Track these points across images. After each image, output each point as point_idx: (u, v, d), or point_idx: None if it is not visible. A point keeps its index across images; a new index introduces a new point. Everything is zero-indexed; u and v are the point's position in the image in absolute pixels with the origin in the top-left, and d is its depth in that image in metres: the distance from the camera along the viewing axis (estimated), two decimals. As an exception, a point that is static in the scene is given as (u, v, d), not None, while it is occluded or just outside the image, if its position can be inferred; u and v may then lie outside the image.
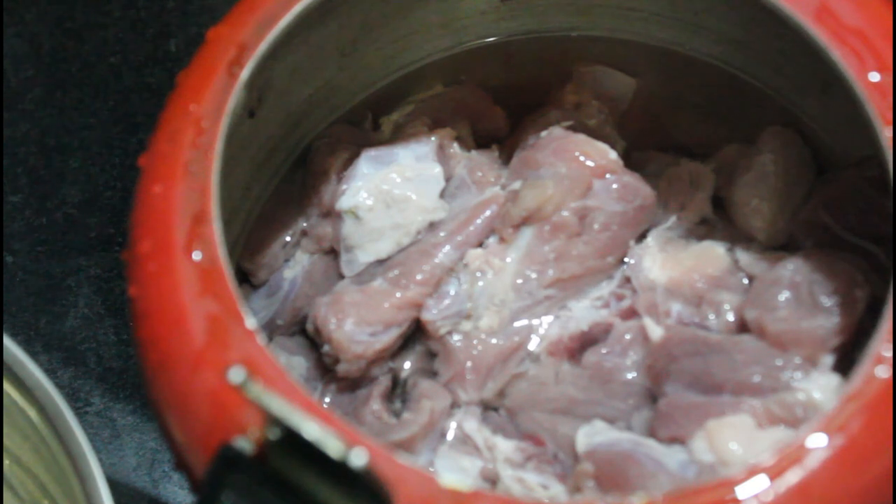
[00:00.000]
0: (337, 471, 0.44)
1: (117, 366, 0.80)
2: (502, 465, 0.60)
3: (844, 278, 0.59)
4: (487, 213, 0.65)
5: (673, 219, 0.66)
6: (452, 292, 0.63)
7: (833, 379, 0.57)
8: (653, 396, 0.61)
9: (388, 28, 0.67)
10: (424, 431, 0.61)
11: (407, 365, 0.65)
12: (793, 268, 0.60)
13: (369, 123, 0.70)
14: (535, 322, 0.64)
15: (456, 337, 0.63)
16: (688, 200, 0.66)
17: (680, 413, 0.58)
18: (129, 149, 0.87)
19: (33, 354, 0.64)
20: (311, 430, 0.44)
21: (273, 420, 0.45)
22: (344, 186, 0.65)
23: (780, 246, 0.64)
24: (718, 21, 0.65)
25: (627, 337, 0.63)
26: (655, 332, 0.62)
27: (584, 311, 0.64)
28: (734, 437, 0.55)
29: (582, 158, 0.64)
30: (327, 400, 0.64)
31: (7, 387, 0.61)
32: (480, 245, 0.65)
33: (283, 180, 0.68)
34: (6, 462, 0.64)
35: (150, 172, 0.56)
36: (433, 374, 0.64)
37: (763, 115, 0.66)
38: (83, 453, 0.58)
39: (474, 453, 0.61)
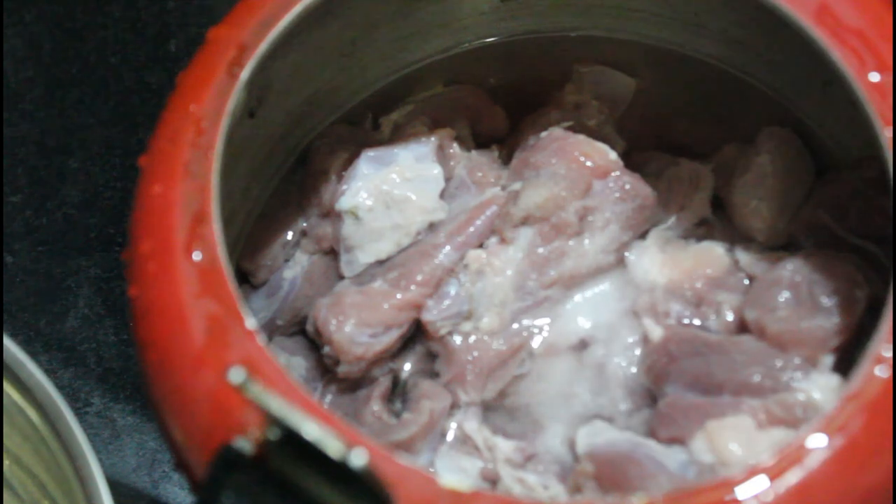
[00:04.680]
0: (337, 471, 0.44)
1: (117, 366, 0.80)
2: (502, 466, 0.60)
3: (844, 278, 0.59)
4: (487, 213, 0.65)
5: (673, 219, 0.66)
6: (453, 293, 0.63)
7: (833, 379, 0.57)
8: (653, 396, 0.61)
9: (388, 28, 0.67)
10: (424, 432, 0.61)
11: (407, 366, 0.65)
12: (792, 268, 0.60)
13: (369, 123, 0.70)
14: (535, 322, 0.64)
15: (457, 338, 0.63)
16: (687, 201, 0.66)
17: (680, 413, 0.58)
18: (129, 149, 0.87)
19: (33, 354, 0.64)
20: (311, 430, 0.44)
21: (273, 420, 0.45)
22: (344, 187, 0.65)
23: (780, 246, 0.64)
24: (718, 21, 0.65)
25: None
26: (655, 332, 0.62)
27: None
28: (734, 438, 0.55)
29: (582, 159, 0.64)
30: (327, 400, 0.64)
31: (7, 387, 0.61)
32: (481, 245, 0.65)
33: (283, 180, 0.68)
34: (6, 462, 0.64)
35: (150, 172, 0.56)
36: (434, 375, 0.64)
37: (763, 115, 0.66)
38: (83, 453, 0.58)
39: (474, 453, 0.61)
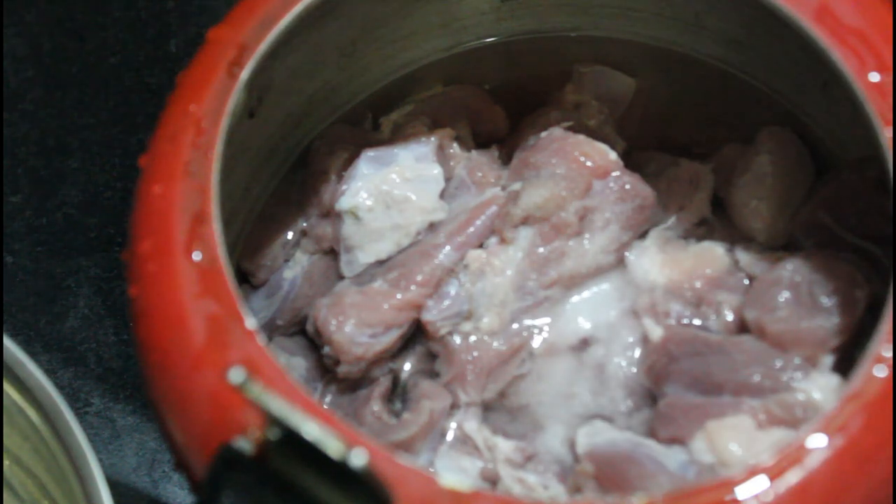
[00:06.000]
0: (337, 471, 0.44)
1: (117, 366, 0.80)
2: (502, 466, 0.60)
3: (844, 278, 0.59)
4: (487, 213, 0.65)
5: (673, 219, 0.66)
6: (453, 293, 0.63)
7: (833, 379, 0.57)
8: (653, 396, 0.61)
9: (388, 28, 0.67)
10: (424, 432, 0.61)
11: (407, 366, 0.65)
12: (792, 268, 0.60)
13: (369, 123, 0.70)
14: (535, 322, 0.64)
15: (456, 338, 0.63)
16: (687, 201, 0.66)
17: (680, 413, 0.58)
18: (129, 149, 0.87)
19: (33, 354, 0.64)
20: (311, 430, 0.44)
21: (273, 420, 0.45)
22: (344, 187, 0.65)
23: (780, 246, 0.64)
24: (718, 21, 0.66)
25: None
26: (655, 332, 0.62)
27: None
28: (734, 438, 0.55)
29: (582, 159, 0.64)
30: (327, 400, 0.64)
31: (7, 387, 0.61)
32: (481, 246, 0.65)
33: (283, 180, 0.68)
34: (6, 462, 0.64)
35: (150, 172, 0.56)
36: (434, 375, 0.64)
37: (763, 115, 0.66)
38: (83, 453, 0.58)
39: (474, 453, 0.61)
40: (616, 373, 0.62)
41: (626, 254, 0.64)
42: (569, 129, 0.66)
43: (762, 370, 0.57)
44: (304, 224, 0.67)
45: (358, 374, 0.63)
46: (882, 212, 0.59)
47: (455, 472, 0.60)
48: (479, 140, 0.70)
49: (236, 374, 0.45)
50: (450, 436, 0.62)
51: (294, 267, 0.67)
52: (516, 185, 0.65)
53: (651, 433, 0.59)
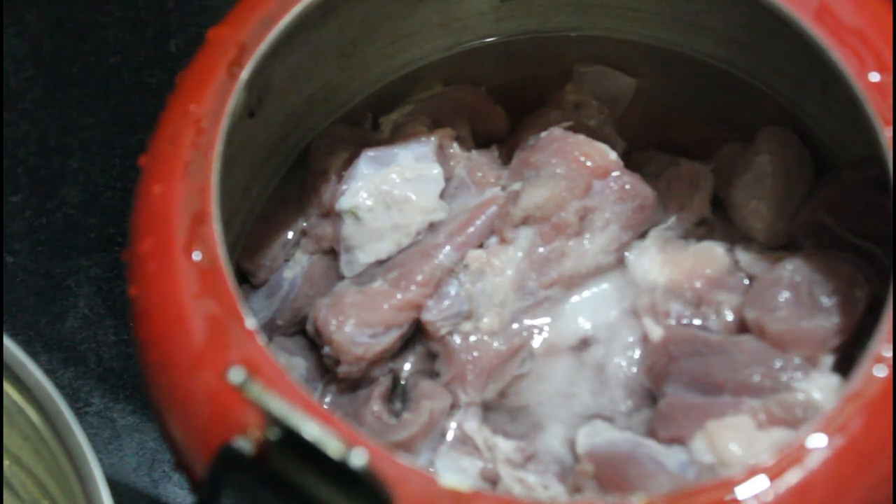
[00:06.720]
0: (337, 471, 0.44)
1: (117, 366, 0.80)
2: (502, 466, 0.60)
3: (844, 278, 0.59)
4: (487, 213, 0.65)
5: (673, 219, 0.66)
6: (453, 293, 0.63)
7: (833, 379, 0.57)
8: (653, 396, 0.61)
9: (388, 28, 0.67)
10: (424, 432, 0.61)
11: (407, 366, 0.65)
12: (792, 268, 0.60)
13: (369, 123, 0.70)
14: (535, 322, 0.64)
15: (457, 338, 0.63)
16: (687, 201, 0.66)
17: (680, 413, 0.58)
18: (129, 149, 0.87)
19: (33, 354, 0.64)
20: (311, 430, 0.44)
21: (273, 420, 0.45)
22: (344, 187, 0.65)
23: (780, 246, 0.64)
24: (718, 21, 0.66)
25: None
26: (655, 332, 0.62)
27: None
28: (734, 438, 0.55)
29: (582, 159, 0.64)
30: (327, 400, 0.64)
31: (7, 387, 0.61)
32: (481, 246, 0.65)
33: (283, 180, 0.68)
34: (6, 462, 0.64)
35: (150, 172, 0.56)
36: (434, 375, 0.64)
37: (763, 115, 0.66)
38: (83, 453, 0.58)
39: (474, 453, 0.61)
40: (616, 373, 0.62)
41: (626, 254, 0.64)
42: (569, 129, 0.66)
43: (762, 370, 0.57)
44: (304, 224, 0.67)
45: (358, 374, 0.63)
46: (882, 212, 0.59)
47: (455, 472, 0.60)
48: (479, 140, 0.70)
49: (236, 374, 0.45)
50: (450, 436, 0.62)
51: (294, 267, 0.67)
52: (516, 185, 0.65)
53: (651, 433, 0.59)
